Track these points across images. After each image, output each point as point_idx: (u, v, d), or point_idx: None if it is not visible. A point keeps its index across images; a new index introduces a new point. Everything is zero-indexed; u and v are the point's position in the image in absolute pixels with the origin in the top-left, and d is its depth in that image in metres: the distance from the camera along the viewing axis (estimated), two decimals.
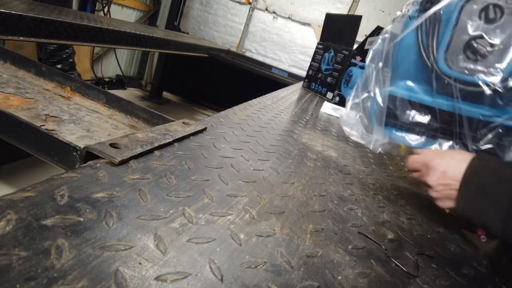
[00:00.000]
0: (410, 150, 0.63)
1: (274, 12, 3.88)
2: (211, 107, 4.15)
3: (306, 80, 1.97)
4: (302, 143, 0.83)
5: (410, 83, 0.67)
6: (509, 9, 0.58)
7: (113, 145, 0.44)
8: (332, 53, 1.77)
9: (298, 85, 2.08)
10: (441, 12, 0.62)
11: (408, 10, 0.68)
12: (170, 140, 0.53)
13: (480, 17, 0.59)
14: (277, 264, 0.34)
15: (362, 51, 1.61)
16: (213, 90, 4.06)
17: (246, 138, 0.71)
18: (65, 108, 0.73)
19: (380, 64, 0.70)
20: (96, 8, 3.31)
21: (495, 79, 0.59)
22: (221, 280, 0.29)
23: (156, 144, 0.49)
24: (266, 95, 1.31)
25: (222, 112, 0.84)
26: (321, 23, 2.05)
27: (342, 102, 1.62)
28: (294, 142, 0.81)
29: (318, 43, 1.92)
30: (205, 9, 4.13)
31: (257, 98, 1.18)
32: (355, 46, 1.73)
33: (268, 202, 0.47)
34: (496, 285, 0.48)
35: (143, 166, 0.43)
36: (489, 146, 0.61)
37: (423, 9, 0.65)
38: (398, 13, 0.70)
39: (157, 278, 0.27)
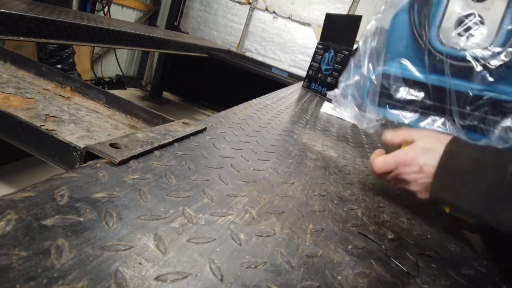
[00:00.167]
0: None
1: (274, 12, 3.88)
2: (211, 107, 4.16)
3: (306, 80, 1.96)
4: (302, 143, 0.83)
5: (403, 61, 0.68)
6: None
7: (113, 145, 0.44)
8: (332, 53, 1.77)
9: (298, 85, 2.08)
10: None
11: None
12: (170, 140, 0.53)
13: None
14: (277, 264, 0.34)
15: None
16: (213, 90, 4.06)
17: (246, 138, 0.71)
18: (65, 108, 0.73)
19: (374, 44, 0.71)
20: (96, 8, 3.31)
21: (485, 55, 0.60)
22: (221, 280, 0.29)
23: (156, 144, 0.49)
24: (266, 95, 1.31)
25: (222, 112, 0.84)
26: (321, 23, 2.05)
27: None
28: (294, 142, 0.81)
29: (318, 43, 1.92)
30: (205, 9, 4.13)
31: (257, 98, 1.18)
32: (355, 46, 1.73)
33: (268, 202, 0.47)
34: (496, 285, 0.48)
35: (143, 166, 0.43)
36: (476, 122, 0.63)
37: None
38: None
39: (157, 278, 0.27)
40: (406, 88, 0.68)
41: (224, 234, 0.36)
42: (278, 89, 1.62)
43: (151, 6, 4.17)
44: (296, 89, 1.88)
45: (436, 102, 0.66)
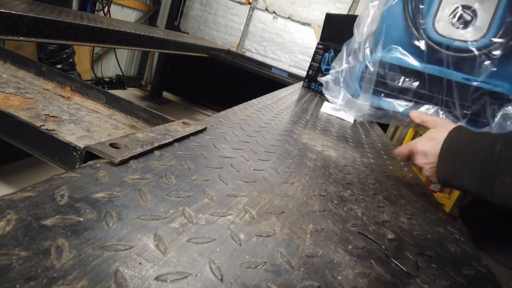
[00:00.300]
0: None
1: (274, 12, 3.88)
2: (211, 107, 4.16)
3: (306, 80, 1.97)
4: (302, 143, 0.83)
5: (399, 49, 0.69)
6: None
7: (113, 145, 0.44)
8: (332, 53, 1.77)
9: (298, 85, 2.08)
10: None
11: None
12: (170, 140, 0.53)
13: None
14: (277, 264, 0.34)
15: None
16: (213, 90, 4.06)
17: (246, 138, 0.71)
18: (65, 108, 0.73)
19: (369, 31, 0.71)
20: (96, 8, 3.31)
21: (480, 45, 0.61)
22: (221, 280, 0.29)
23: (156, 144, 0.49)
24: (266, 95, 1.31)
25: (222, 112, 0.84)
26: (321, 23, 2.05)
27: None
28: (294, 142, 0.81)
29: (318, 43, 1.92)
30: (205, 9, 4.13)
31: (257, 98, 1.18)
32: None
33: (268, 202, 0.47)
34: (496, 285, 0.48)
35: (143, 166, 0.43)
36: (469, 112, 0.64)
37: None
38: None
39: (157, 278, 0.27)
40: (402, 77, 0.69)
41: (224, 234, 0.36)
42: (278, 89, 1.62)
43: (151, 6, 4.17)
44: (296, 89, 1.88)
45: (430, 90, 0.68)
